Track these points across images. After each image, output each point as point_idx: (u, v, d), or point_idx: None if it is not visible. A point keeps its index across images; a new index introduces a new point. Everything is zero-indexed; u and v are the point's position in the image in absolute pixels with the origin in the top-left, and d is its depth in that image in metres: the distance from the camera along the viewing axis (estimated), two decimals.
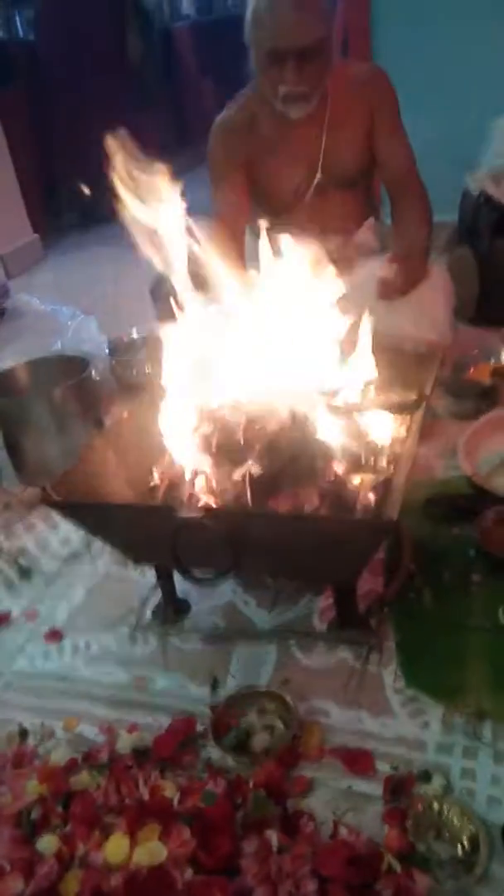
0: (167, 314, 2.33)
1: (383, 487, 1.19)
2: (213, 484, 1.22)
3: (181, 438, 1.30)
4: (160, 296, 2.48)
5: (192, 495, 1.20)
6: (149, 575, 1.43)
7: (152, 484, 1.28)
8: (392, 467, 1.24)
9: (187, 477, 1.25)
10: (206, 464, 1.24)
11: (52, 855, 0.85)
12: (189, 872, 0.83)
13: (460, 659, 1.17)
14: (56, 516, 1.70)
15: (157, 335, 2.26)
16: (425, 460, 1.64)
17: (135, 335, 2.29)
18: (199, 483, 1.23)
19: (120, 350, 2.22)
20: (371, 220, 2.12)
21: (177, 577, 1.36)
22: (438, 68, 2.80)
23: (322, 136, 1.94)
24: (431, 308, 1.85)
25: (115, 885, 0.80)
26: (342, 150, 1.96)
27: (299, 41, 1.66)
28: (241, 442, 1.24)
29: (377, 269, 1.90)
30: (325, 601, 1.32)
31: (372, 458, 1.26)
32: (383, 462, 1.27)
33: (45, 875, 0.82)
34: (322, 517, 1.11)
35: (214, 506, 1.15)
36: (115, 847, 0.85)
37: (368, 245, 2.09)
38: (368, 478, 1.21)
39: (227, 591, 1.38)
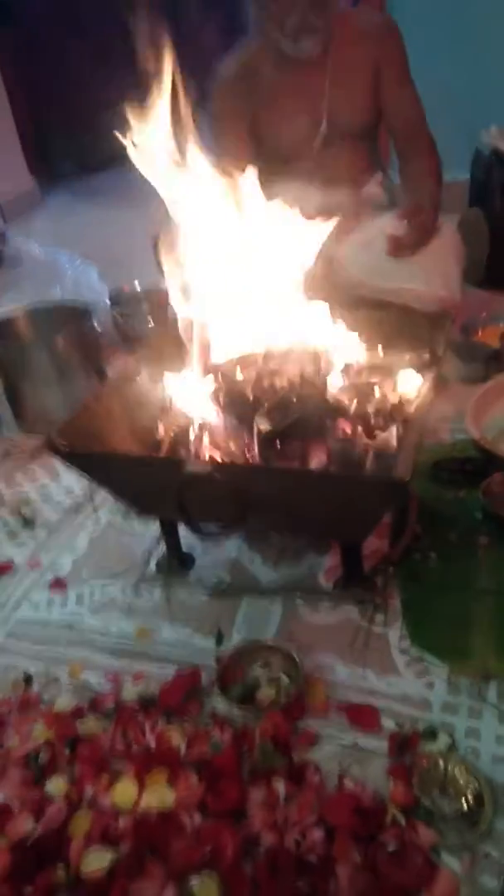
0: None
1: (394, 448, 1.17)
2: (220, 439, 1.20)
3: (188, 392, 1.28)
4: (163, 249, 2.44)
5: (198, 449, 1.18)
6: (152, 527, 1.43)
7: (158, 437, 1.26)
8: (403, 428, 1.23)
9: (194, 431, 1.23)
10: (213, 418, 1.22)
11: (61, 797, 0.85)
12: (198, 817, 0.83)
13: (466, 620, 1.17)
14: (58, 465, 1.68)
15: (160, 288, 2.24)
16: (432, 424, 1.63)
17: (137, 287, 2.25)
18: (206, 437, 1.21)
19: (122, 302, 2.18)
20: (379, 175, 2.08)
21: (181, 531, 1.35)
22: (454, 23, 2.72)
23: (325, 85, 1.89)
24: (442, 265, 1.82)
25: (125, 828, 0.81)
26: (347, 101, 1.91)
27: None
28: (250, 398, 1.22)
29: (386, 225, 1.86)
30: (330, 560, 1.32)
31: (383, 419, 1.25)
32: (395, 423, 1.25)
33: (55, 815, 0.82)
34: (332, 473, 1.09)
35: (222, 460, 1.14)
36: (124, 791, 0.86)
37: (376, 199, 2.05)
38: (380, 437, 1.20)
39: (232, 547, 1.38)
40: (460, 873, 0.86)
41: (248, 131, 1.96)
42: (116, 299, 2.17)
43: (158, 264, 2.46)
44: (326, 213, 1.88)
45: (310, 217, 1.32)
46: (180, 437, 1.23)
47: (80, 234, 2.97)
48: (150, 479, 1.13)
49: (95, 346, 1.88)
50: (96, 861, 0.78)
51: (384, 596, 1.22)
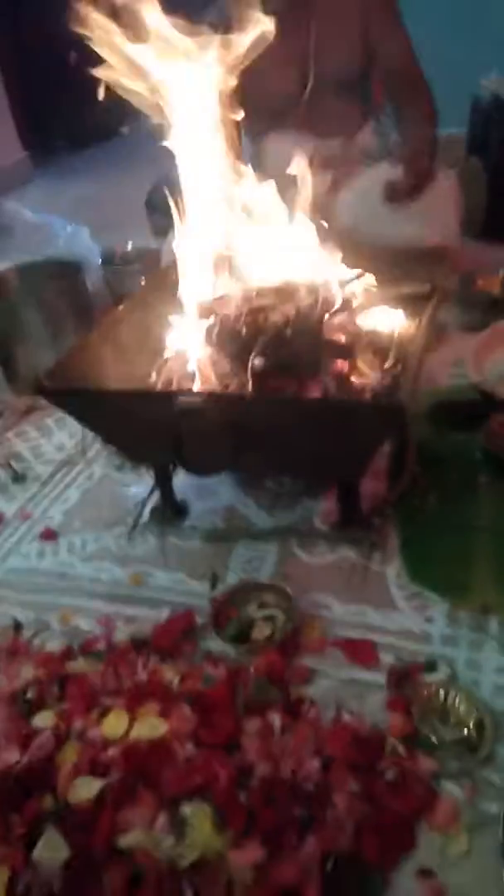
0: (161, 225, 2.25)
1: (392, 379, 1.14)
2: (214, 376, 1.17)
3: (181, 332, 1.25)
4: (154, 206, 2.39)
5: (192, 386, 1.15)
6: (146, 477, 1.40)
7: (151, 378, 1.23)
8: (401, 364, 1.19)
9: (188, 369, 1.20)
10: (206, 357, 1.18)
11: (49, 729, 0.83)
12: (190, 747, 0.81)
13: (466, 557, 1.15)
14: (50, 423, 1.66)
15: (152, 248, 2.19)
16: (431, 370, 1.59)
17: (129, 247, 2.21)
18: (200, 375, 1.18)
19: (114, 261, 2.14)
20: (373, 123, 2.03)
21: (175, 480, 1.33)
22: None
23: (311, 34, 1.83)
24: (439, 211, 1.78)
25: (114, 757, 0.78)
26: (334, 49, 1.85)
27: None
28: (244, 334, 1.19)
29: (382, 172, 1.82)
30: (326, 503, 1.29)
31: (380, 355, 1.21)
32: (392, 358, 1.22)
33: (41, 745, 0.80)
34: (329, 400, 1.06)
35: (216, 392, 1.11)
36: (114, 723, 0.83)
37: (370, 148, 2.01)
38: (376, 371, 1.17)
39: (227, 493, 1.35)
40: (462, 800, 0.83)
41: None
42: (108, 259, 2.13)
43: (151, 225, 2.42)
44: (320, 163, 1.84)
45: (304, 169, 1.28)
46: (174, 377, 1.20)
47: (72, 203, 2.93)
48: (142, 416, 1.10)
49: (87, 303, 1.84)
50: (84, 789, 0.76)
51: (382, 536, 1.20)
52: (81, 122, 4.26)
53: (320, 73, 1.88)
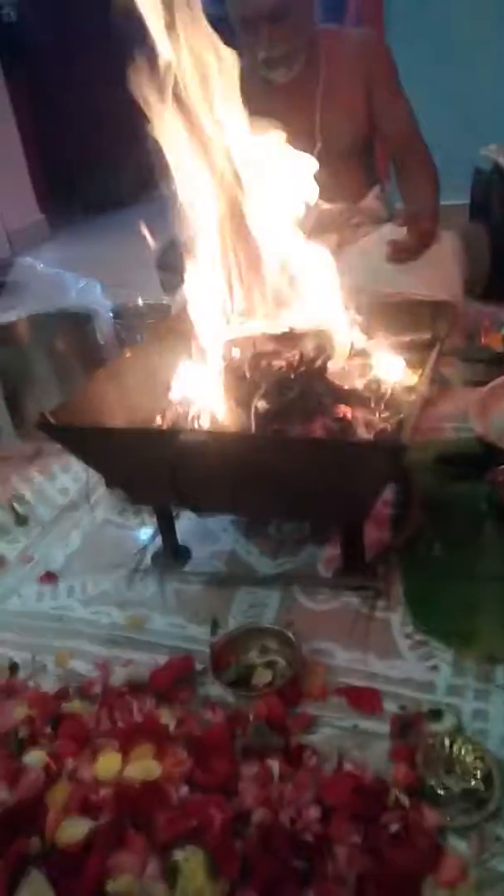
0: (171, 283, 2.30)
1: (394, 424, 1.14)
2: (217, 418, 1.17)
3: (186, 376, 1.26)
4: (165, 265, 2.46)
5: (195, 426, 1.16)
6: (149, 523, 1.40)
7: (155, 420, 1.24)
8: (403, 410, 1.20)
9: (191, 413, 1.20)
10: (211, 401, 1.19)
11: (40, 768, 0.80)
12: (184, 790, 0.77)
13: (472, 606, 1.12)
14: (55, 468, 1.66)
15: (163, 302, 2.24)
16: (436, 424, 1.60)
17: (140, 302, 2.25)
18: (204, 419, 1.19)
19: (125, 315, 2.18)
20: (377, 189, 2.10)
21: (178, 525, 1.32)
22: (450, 48, 2.77)
23: (316, 104, 1.91)
24: (443, 269, 1.81)
25: (105, 798, 0.75)
26: (339, 119, 1.93)
27: (263, 5, 1.64)
28: (248, 378, 1.20)
29: (386, 233, 1.87)
30: (329, 551, 1.27)
31: (382, 402, 1.22)
32: (393, 404, 1.22)
33: (31, 783, 0.77)
34: (332, 440, 1.06)
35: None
36: (107, 763, 0.80)
37: (375, 213, 2.07)
38: (378, 417, 1.17)
39: (229, 539, 1.34)
40: (468, 856, 0.79)
41: None
42: (119, 313, 2.17)
43: (161, 282, 2.48)
44: (326, 226, 1.90)
45: (309, 234, 1.32)
46: (177, 420, 1.21)
47: (86, 262, 3.00)
48: (144, 454, 1.10)
49: (97, 354, 1.87)
50: (73, 831, 0.72)
51: (386, 583, 1.18)
52: (99, 190, 4.43)
53: (326, 142, 1.95)
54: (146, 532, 1.38)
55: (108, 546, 1.38)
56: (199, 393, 1.21)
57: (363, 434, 1.14)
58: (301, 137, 1.92)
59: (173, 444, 1.02)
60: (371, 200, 2.07)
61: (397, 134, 1.93)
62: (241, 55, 1.80)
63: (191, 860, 0.71)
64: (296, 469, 1.03)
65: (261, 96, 1.87)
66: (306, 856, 0.76)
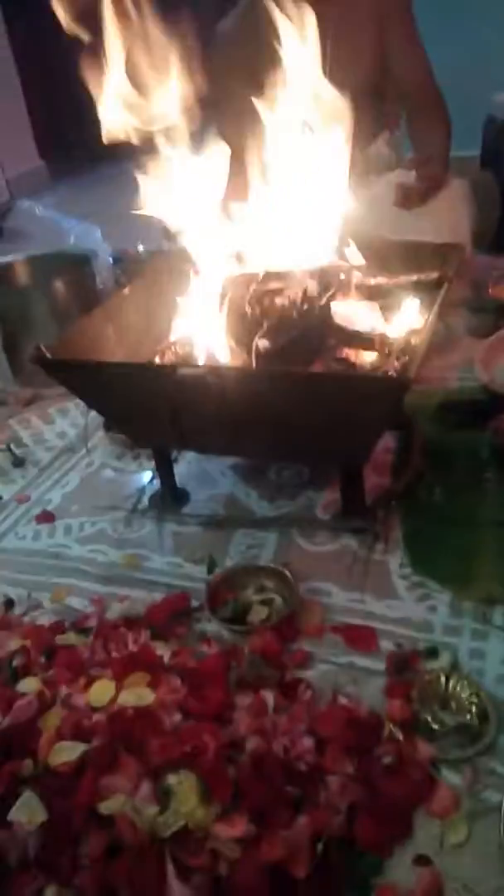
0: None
1: (398, 365, 1.12)
2: (217, 356, 1.15)
3: (186, 314, 1.23)
4: None
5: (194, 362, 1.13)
6: (147, 467, 1.38)
7: (154, 357, 1.22)
8: (408, 350, 1.17)
9: (191, 352, 1.18)
10: (211, 339, 1.17)
11: (33, 694, 0.80)
12: (178, 716, 0.77)
13: (471, 550, 1.11)
14: (52, 412, 1.64)
15: (164, 250, 2.19)
16: (440, 373, 1.58)
17: (140, 248, 2.21)
18: (204, 357, 1.16)
19: (124, 261, 2.14)
20: (387, 134, 2.04)
21: (176, 469, 1.30)
22: None
23: (327, 44, 1.84)
24: (451, 218, 1.77)
25: (98, 723, 0.75)
26: (351, 60, 1.86)
27: None
28: (249, 316, 1.17)
29: (394, 178, 1.82)
30: (328, 495, 1.26)
31: (387, 342, 1.19)
32: (398, 345, 1.20)
33: (24, 708, 0.76)
34: (334, 374, 1.04)
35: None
36: (100, 691, 0.80)
37: (384, 158, 2.01)
38: (382, 358, 1.15)
39: (228, 483, 1.33)
40: (461, 788, 0.79)
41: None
42: (119, 259, 2.13)
43: (163, 230, 2.43)
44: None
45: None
46: (177, 355, 1.19)
47: (86, 207, 2.95)
48: (143, 391, 1.08)
49: (95, 298, 1.83)
50: (66, 753, 0.72)
51: (385, 527, 1.17)
52: (100, 138, 4.33)
53: (336, 79, 1.89)
54: (145, 475, 1.37)
55: (106, 488, 1.36)
56: (199, 331, 1.18)
57: (365, 370, 1.12)
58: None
59: (172, 380, 1.00)
60: (380, 146, 2.02)
61: (410, 77, 1.87)
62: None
63: (183, 783, 0.71)
64: (296, 407, 1.01)
65: (270, 32, 1.81)
66: (299, 784, 0.76)
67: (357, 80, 1.90)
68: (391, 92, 2.01)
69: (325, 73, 1.87)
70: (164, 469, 1.29)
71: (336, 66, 1.86)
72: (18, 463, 1.46)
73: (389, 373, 1.10)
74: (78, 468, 1.44)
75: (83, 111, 4.39)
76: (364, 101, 1.96)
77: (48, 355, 1.08)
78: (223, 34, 1.88)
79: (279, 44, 1.24)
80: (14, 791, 0.70)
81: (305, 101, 1.23)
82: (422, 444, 1.31)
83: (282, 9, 1.69)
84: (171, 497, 1.29)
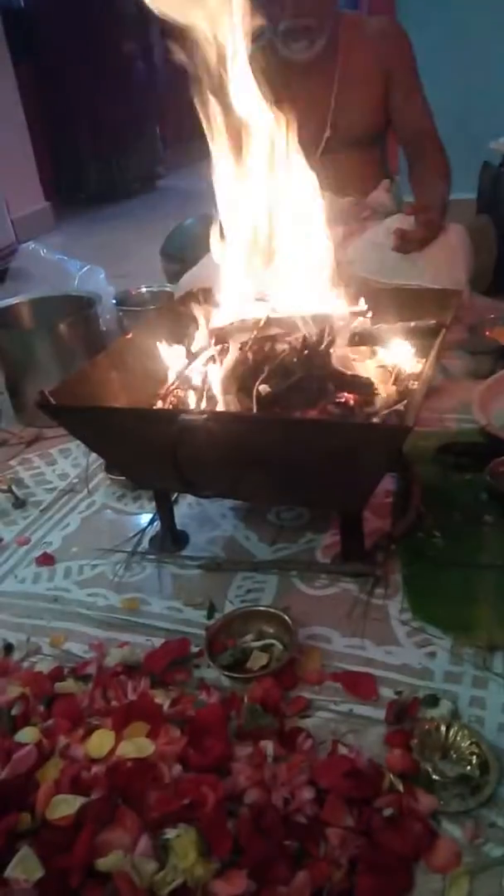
0: (174, 272, 2.28)
1: (397, 411, 1.13)
2: (220, 402, 1.16)
3: (188, 359, 1.25)
4: (169, 254, 2.45)
5: (195, 407, 1.15)
6: (147, 509, 1.39)
7: (156, 401, 1.23)
8: (406, 397, 1.19)
9: (193, 398, 1.20)
10: (213, 384, 1.19)
11: (32, 745, 0.79)
12: (178, 768, 0.77)
13: (471, 595, 1.11)
14: (54, 453, 1.65)
15: (165, 290, 2.23)
16: (438, 416, 1.59)
17: (143, 289, 2.25)
18: (205, 402, 1.18)
19: (128, 302, 2.17)
20: (387, 182, 2.08)
21: (176, 510, 1.31)
22: (458, 36, 2.74)
23: (333, 90, 1.89)
24: (449, 262, 1.80)
25: (97, 775, 0.74)
26: (354, 107, 1.91)
27: None
28: (251, 361, 1.19)
29: (393, 224, 1.86)
30: (328, 538, 1.27)
31: (386, 387, 1.21)
32: (397, 390, 1.21)
33: (22, 759, 0.76)
34: (334, 421, 1.05)
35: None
36: (99, 741, 0.79)
37: (384, 206, 2.05)
38: (381, 400, 1.16)
39: (228, 525, 1.33)
40: (462, 841, 0.78)
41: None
42: (122, 300, 2.17)
43: (165, 272, 2.47)
44: (333, 217, 1.88)
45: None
46: (178, 400, 1.20)
47: (89, 250, 3.00)
48: (144, 435, 1.09)
49: (99, 339, 1.86)
50: (64, 807, 0.72)
51: (385, 570, 1.17)
52: (104, 180, 4.43)
53: (339, 130, 1.93)
54: (145, 517, 1.38)
55: (106, 530, 1.37)
56: (200, 375, 1.20)
57: (365, 416, 1.14)
58: (314, 122, 1.91)
59: (175, 425, 1.01)
60: (380, 193, 2.06)
61: (412, 126, 1.91)
62: (260, 33, 1.79)
63: (182, 838, 0.70)
64: (296, 452, 1.02)
65: (277, 75, 1.86)
66: (299, 837, 0.76)
67: (361, 127, 1.95)
68: (391, 142, 2.06)
69: (330, 123, 1.92)
70: (165, 511, 1.29)
71: (341, 112, 1.91)
72: (19, 504, 1.46)
73: (388, 415, 1.12)
74: (78, 509, 1.44)
75: (88, 153, 4.47)
76: (366, 148, 2.01)
77: (51, 400, 1.09)
78: None
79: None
80: (11, 846, 0.69)
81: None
82: (421, 486, 1.32)
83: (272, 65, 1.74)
84: (170, 539, 1.30)
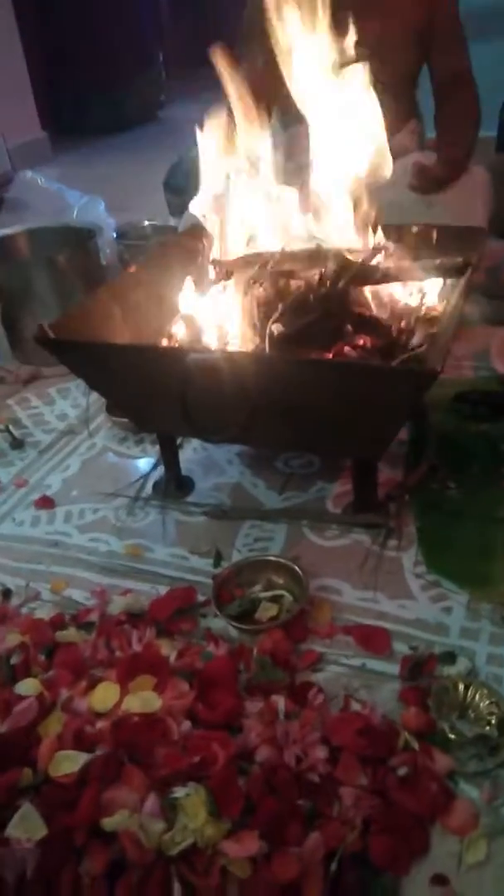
0: (178, 205, 2.17)
1: (419, 354, 1.07)
2: (229, 339, 1.10)
3: (197, 294, 1.18)
4: (172, 186, 2.33)
5: (206, 345, 1.08)
6: (150, 453, 1.34)
7: (162, 338, 1.16)
8: (430, 339, 1.12)
9: (201, 334, 1.13)
10: (223, 322, 1.12)
11: (33, 697, 0.75)
12: (186, 724, 0.73)
13: (488, 549, 1.07)
14: (52, 392, 1.59)
15: (168, 224, 2.12)
16: (455, 362, 1.53)
17: (145, 223, 2.15)
18: (214, 340, 1.11)
19: (129, 236, 2.07)
20: (413, 123, 1.96)
21: (181, 455, 1.26)
22: None
23: (370, 23, 1.76)
24: (468, 206, 1.70)
25: (102, 731, 0.71)
26: (391, 43, 1.78)
27: None
28: (264, 298, 1.12)
29: (412, 159, 1.75)
30: (339, 487, 1.22)
31: (407, 331, 1.14)
32: (418, 335, 1.15)
33: (23, 712, 0.72)
34: (357, 363, 0.99)
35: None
36: (103, 694, 0.76)
37: (407, 148, 1.94)
38: (402, 346, 1.10)
39: (235, 471, 1.28)
40: (480, 802, 0.76)
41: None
42: (123, 233, 2.07)
43: (168, 204, 2.35)
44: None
45: None
46: (186, 337, 1.13)
47: (88, 180, 2.87)
48: (151, 374, 1.02)
49: (99, 272, 1.77)
50: (67, 763, 0.68)
51: (398, 522, 1.12)
52: (103, 109, 4.23)
53: (382, 62, 1.80)
54: (148, 461, 1.32)
55: (108, 474, 1.32)
56: (210, 313, 1.13)
57: (384, 359, 1.07)
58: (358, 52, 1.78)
59: (183, 364, 0.95)
60: (404, 135, 1.94)
61: (450, 69, 1.78)
62: None
63: (192, 797, 0.67)
64: (314, 396, 0.96)
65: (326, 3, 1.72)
66: (311, 797, 0.73)
67: (395, 64, 1.81)
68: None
69: (371, 57, 1.79)
70: (169, 455, 1.24)
71: (382, 46, 1.77)
72: (17, 445, 1.41)
73: (409, 360, 1.06)
74: (79, 451, 1.39)
75: (86, 83, 4.27)
76: (402, 84, 1.88)
77: (51, 335, 1.02)
78: None
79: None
80: (12, 803, 0.66)
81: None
82: (436, 435, 1.27)
83: None
84: (175, 484, 1.25)
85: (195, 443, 1.33)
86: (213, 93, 1.22)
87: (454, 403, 1.38)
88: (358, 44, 1.24)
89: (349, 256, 1.14)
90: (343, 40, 1.20)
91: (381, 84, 1.82)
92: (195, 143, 1.23)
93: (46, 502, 1.24)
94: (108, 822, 0.64)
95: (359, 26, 1.73)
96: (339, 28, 1.28)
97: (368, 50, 1.63)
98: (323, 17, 1.20)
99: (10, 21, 3.46)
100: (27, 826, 0.63)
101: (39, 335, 1.03)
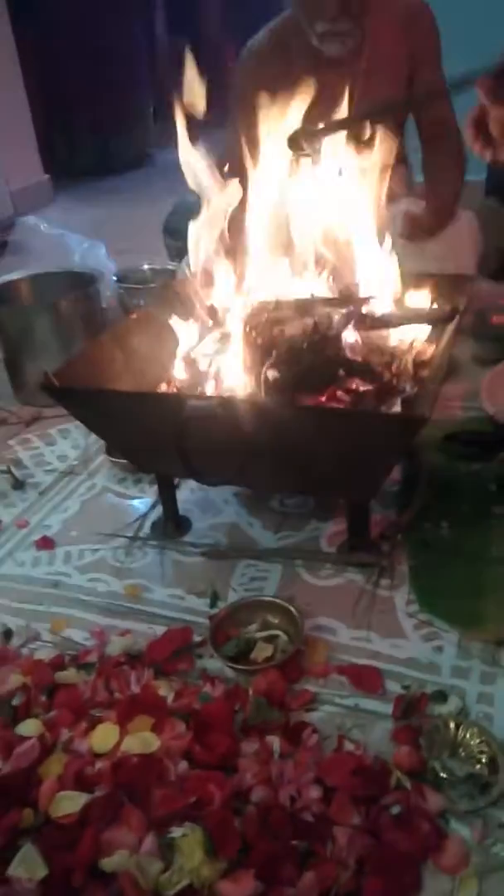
0: (177, 248, 2.23)
1: (409, 399, 1.10)
2: (225, 386, 1.14)
3: (194, 341, 1.22)
4: (172, 230, 2.40)
5: (203, 392, 1.12)
6: (149, 492, 1.37)
7: (161, 384, 1.20)
8: (419, 385, 1.16)
9: (198, 379, 1.16)
10: (220, 368, 1.16)
11: (34, 738, 0.77)
12: (183, 765, 0.75)
13: (479, 587, 1.10)
14: (53, 433, 1.63)
15: (167, 268, 2.18)
16: (445, 402, 1.57)
17: (145, 266, 2.20)
18: (212, 386, 1.15)
19: (129, 279, 2.13)
20: (402, 169, 2.03)
21: (178, 495, 1.29)
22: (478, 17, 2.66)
23: (357, 79, 1.83)
24: (457, 252, 1.76)
25: (101, 771, 0.73)
26: (377, 96, 1.85)
27: None
28: (259, 345, 1.16)
29: (402, 206, 1.81)
30: (333, 526, 1.25)
31: (397, 376, 1.18)
32: (410, 378, 1.19)
33: (25, 753, 0.74)
34: (348, 409, 1.02)
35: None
36: (103, 736, 0.78)
37: (395, 193, 2.00)
38: (393, 391, 1.13)
39: (231, 511, 1.31)
40: (471, 841, 0.77)
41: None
42: (123, 277, 2.12)
43: (168, 248, 2.41)
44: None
45: None
46: (184, 386, 1.17)
47: (90, 224, 2.94)
48: (149, 420, 1.06)
49: (100, 316, 1.82)
50: (68, 804, 0.70)
51: (391, 561, 1.15)
52: (104, 153, 4.35)
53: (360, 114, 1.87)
54: (146, 501, 1.35)
55: (107, 514, 1.34)
56: (207, 359, 1.17)
57: (376, 405, 1.11)
58: (333, 110, 1.84)
59: (181, 410, 0.98)
60: (393, 181, 2.01)
61: (433, 114, 1.85)
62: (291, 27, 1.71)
63: (189, 837, 0.69)
64: (307, 440, 0.99)
65: (300, 60, 1.79)
66: (306, 836, 0.74)
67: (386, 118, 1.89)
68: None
69: (354, 106, 1.87)
70: (167, 495, 1.27)
71: (367, 96, 1.85)
72: (18, 486, 1.43)
73: (399, 408, 1.09)
74: (79, 492, 1.42)
75: (88, 126, 4.38)
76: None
77: (56, 383, 1.06)
78: (251, 53, 1.85)
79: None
80: (13, 843, 0.67)
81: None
82: (427, 475, 1.30)
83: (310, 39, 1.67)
84: (172, 524, 1.28)
85: (192, 483, 1.36)
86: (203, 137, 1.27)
87: (445, 443, 1.41)
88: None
89: (340, 305, 1.19)
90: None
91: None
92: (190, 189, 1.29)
93: (47, 543, 1.27)
94: (107, 863, 0.66)
95: (342, 82, 1.81)
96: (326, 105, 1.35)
97: (358, 117, 1.71)
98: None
99: (14, 65, 3.57)
100: (28, 866, 0.65)
101: (43, 383, 1.07)
